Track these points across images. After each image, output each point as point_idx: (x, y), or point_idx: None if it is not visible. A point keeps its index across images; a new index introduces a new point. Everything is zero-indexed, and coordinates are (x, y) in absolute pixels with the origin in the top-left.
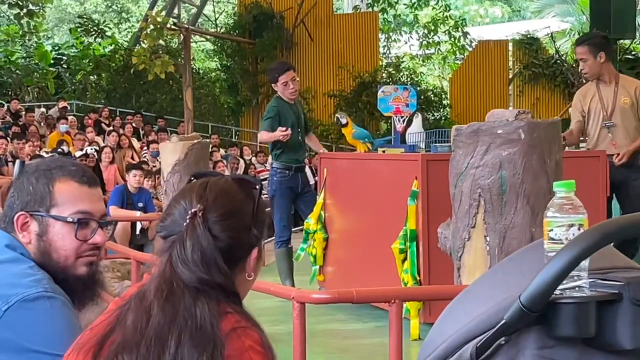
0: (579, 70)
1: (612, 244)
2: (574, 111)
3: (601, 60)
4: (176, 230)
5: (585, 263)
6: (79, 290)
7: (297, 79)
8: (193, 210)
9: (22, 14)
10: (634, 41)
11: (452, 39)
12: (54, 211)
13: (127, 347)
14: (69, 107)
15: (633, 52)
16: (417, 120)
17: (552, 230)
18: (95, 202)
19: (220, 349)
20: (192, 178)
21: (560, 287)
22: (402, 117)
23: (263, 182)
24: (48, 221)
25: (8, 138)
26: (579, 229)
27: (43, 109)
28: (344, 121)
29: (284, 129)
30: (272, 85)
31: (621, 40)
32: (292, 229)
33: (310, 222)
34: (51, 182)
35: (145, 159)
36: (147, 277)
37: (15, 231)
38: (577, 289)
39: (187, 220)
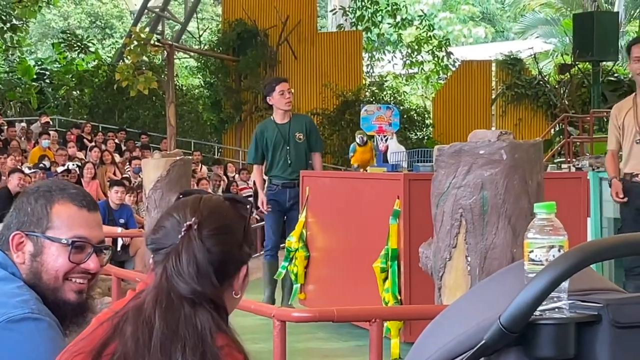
0: (635, 72)
1: (591, 265)
2: (611, 129)
3: None
4: (168, 243)
5: (565, 284)
6: (68, 315)
7: (291, 90)
8: (188, 223)
9: (5, 28)
10: (617, 63)
11: (436, 58)
12: (50, 233)
13: (129, 358)
14: (51, 122)
15: (615, 74)
16: (393, 141)
17: (532, 251)
18: (93, 227)
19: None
20: (181, 196)
21: (540, 308)
22: (385, 136)
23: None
24: (44, 242)
25: None
26: (559, 251)
27: (24, 124)
28: (365, 139)
29: (265, 205)
30: (268, 98)
31: (604, 63)
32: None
33: (292, 240)
34: (50, 204)
35: (127, 175)
36: (131, 294)
37: (10, 250)
38: (556, 310)
39: (182, 233)
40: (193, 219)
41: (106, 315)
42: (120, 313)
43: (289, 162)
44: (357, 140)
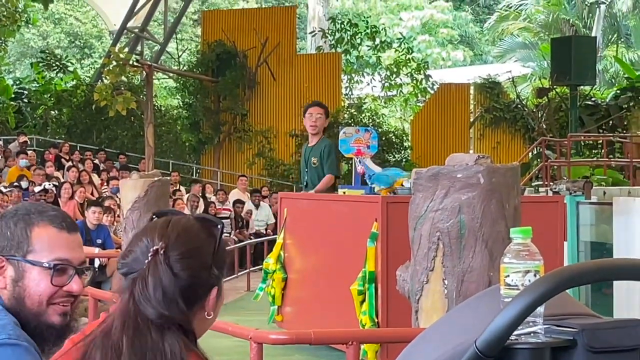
0: None
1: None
2: None
3: None
4: (137, 267)
5: (540, 309)
6: (51, 339)
7: (320, 115)
8: (155, 247)
9: None
10: (594, 87)
11: (414, 81)
12: (30, 256)
13: None
14: (29, 142)
15: (593, 99)
16: (368, 162)
17: (508, 275)
18: (74, 248)
19: None
20: (154, 217)
21: (516, 332)
22: (363, 158)
23: (225, 221)
24: (25, 266)
25: None
26: (535, 275)
27: (1, 143)
28: None
29: None
30: (304, 120)
31: (581, 87)
32: (251, 268)
33: (270, 261)
34: (29, 227)
35: (105, 195)
36: (104, 315)
37: None
38: (532, 334)
39: (149, 258)
40: (160, 244)
41: (79, 337)
42: (90, 338)
43: (305, 184)
44: None
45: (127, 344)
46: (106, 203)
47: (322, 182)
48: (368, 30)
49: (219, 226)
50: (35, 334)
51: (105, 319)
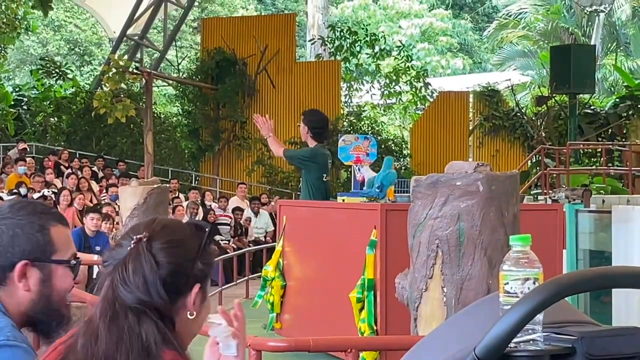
0: None
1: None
2: None
3: None
4: (119, 257)
5: (539, 317)
6: (62, 329)
7: (298, 125)
8: (138, 236)
9: None
10: (593, 96)
11: (414, 89)
12: (55, 256)
13: None
14: (28, 149)
15: (592, 107)
16: (366, 169)
17: (507, 283)
18: (73, 242)
19: None
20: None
21: (515, 340)
22: (362, 166)
23: (224, 228)
24: (52, 267)
25: None
26: (534, 283)
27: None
28: None
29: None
30: None
31: (580, 95)
32: (250, 276)
33: (269, 269)
34: (46, 229)
35: (104, 202)
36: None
37: (5, 280)
38: (531, 342)
39: (132, 245)
40: (144, 233)
41: (60, 340)
42: (72, 332)
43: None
44: None
45: (103, 328)
46: (104, 210)
47: (276, 142)
48: (367, 38)
49: (206, 229)
50: (55, 328)
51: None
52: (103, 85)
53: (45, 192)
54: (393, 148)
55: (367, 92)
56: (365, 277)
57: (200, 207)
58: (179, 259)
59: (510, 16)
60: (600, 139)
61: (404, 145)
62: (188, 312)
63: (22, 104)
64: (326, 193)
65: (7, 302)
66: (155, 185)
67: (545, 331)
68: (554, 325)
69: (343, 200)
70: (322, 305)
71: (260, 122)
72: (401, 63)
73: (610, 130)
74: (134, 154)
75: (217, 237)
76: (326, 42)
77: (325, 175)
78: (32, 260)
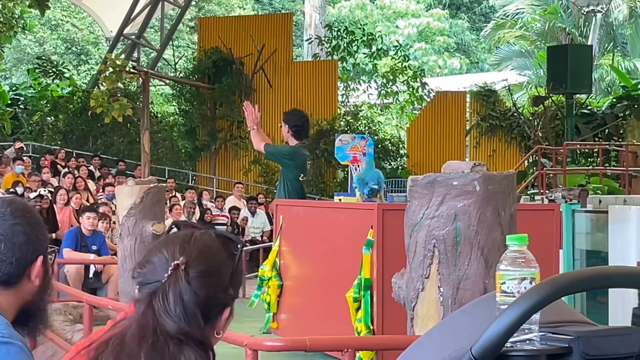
0: None
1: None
2: None
3: None
4: (154, 279)
5: (536, 316)
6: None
7: (280, 125)
8: (176, 262)
9: None
10: (590, 96)
11: (411, 89)
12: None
13: None
14: (25, 148)
15: (589, 107)
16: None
17: (504, 283)
18: None
19: None
20: (173, 227)
21: (512, 339)
22: (359, 165)
23: (222, 228)
24: (49, 260)
25: None
26: (530, 283)
27: None
28: None
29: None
30: None
31: (577, 95)
32: (247, 275)
33: (265, 268)
34: (43, 226)
35: (100, 202)
36: (111, 322)
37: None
38: (528, 342)
39: (169, 272)
40: (181, 258)
41: (84, 344)
42: (96, 344)
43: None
44: None
45: (144, 355)
46: (101, 209)
47: (259, 135)
48: (364, 38)
49: (239, 246)
50: (44, 318)
51: (114, 327)
52: (100, 85)
53: (42, 191)
54: (390, 148)
55: (364, 91)
56: (362, 277)
57: (197, 207)
58: (214, 288)
59: (507, 16)
60: (597, 139)
61: (400, 145)
62: (215, 332)
63: (19, 103)
64: (302, 192)
65: (2, 302)
66: (152, 185)
67: (542, 331)
68: (551, 325)
69: (340, 200)
70: (319, 305)
71: (248, 111)
72: (398, 63)
73: (607, 131)
74: (130, 154)
75: None
76: (323, 42)
77: (302, 175)
78: (43, 256)
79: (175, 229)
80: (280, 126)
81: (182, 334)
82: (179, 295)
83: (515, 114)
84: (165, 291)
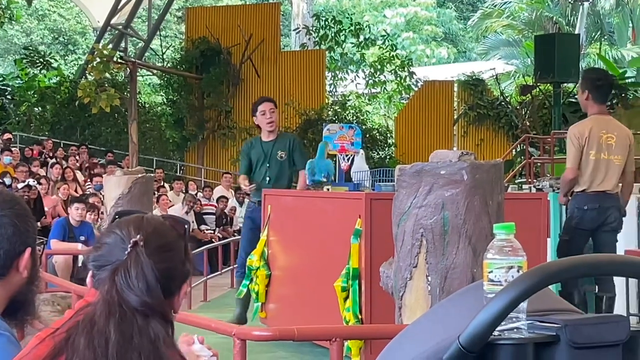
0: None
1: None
2: None
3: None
4: (112, 259)
5: (523, 305)
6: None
7: (274, 110)
8: (134, 239)
9: None
10: (577, 85)
11: (398, 78)
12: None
13: None
14: (12, 139)
15: (576, 96)
16: (359, 158)
17: (491, 271)
18: None
19: None
20: (116, 216)
21: (499, 328)
22: (347, 155)
23: (209, 217)
24: (38, 251)
25: None
26: (518, 271)
27: None
28: None
29: (248, 185)
30: (254, 118)
31: (565, 84)
32: (235, 265)
33: (254, 258)
34: (28, 214)
35: (89, 193)
36: (70, 312)
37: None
38: (515, 330)
39: (129, 249)
40: (138, 236)
41: (47, 332)
42: (64, 329)
43: (267, 179)
44: None
45: (114, 329)
46: (91, 200)
47: (302, 180)
48: (352, 27)
49: (185, 226)
50: (32, 309)
51: (78, 311)
52: (87, 75)
53: (30, 182)
54: (378, 137)
55: (352, 81)
56: (350, 266)
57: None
58: (172, 262)
59: (494, 5)
60: None
61: (388, 135)
62: (173, 310)
63: (6, 93)
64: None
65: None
66: (139, 175)
67: (529, 319)
68: (538, 314)
69: (328, 189)
70: (307, 295)
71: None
72: (386, 52)
73: None
74: (118, 144)
75: (203, 227)
76: (311, 32)
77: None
78: (33, 247)
79: (118, 218)
80: (274, 110)
81: (145, 307)
82: (141, 269)
83: (503, 103)
84: (127, 267)
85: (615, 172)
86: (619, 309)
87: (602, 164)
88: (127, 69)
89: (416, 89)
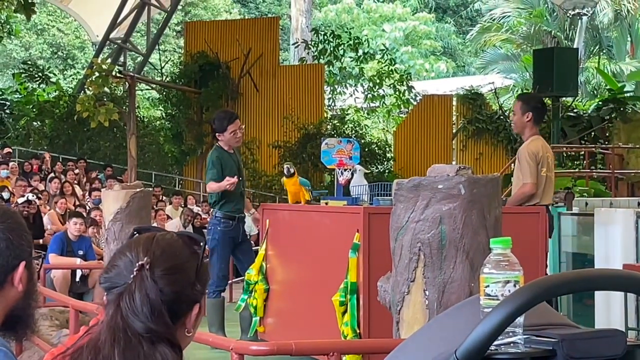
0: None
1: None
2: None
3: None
4: (121, 282)
5: (520, 319)
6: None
7: (243, 127)
8: (140, 262)
9: None
10: (576, 99)
11: (397, 92)
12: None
13: None
14: (12, 153)
15: (575, 110)
16: (359, 174)
17: (488, 286)
18: None
19: None
20: (135, 232)
21: (496, 342)
22: (345, 169)
23: (206, 231)
24: (33, 265)
25: None
26: (514, 286)
27: None
28: (292, 171)
29: (232, 178)
30: (218, 134)
31: (563, 98)
32: (234, 280)
33: (252, 273)
34: (25, 231)
35: (90, 207)
36: (84, 329)
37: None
38: (512, 344)
39: (134, 273)
40: (145, 259)
41: (59, 350)
42: (71, 351)
43: (242, 193)
44: (284, 171)
45: (119, 356)
46: (92, 214)
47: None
48: (351, 42)
49: (201, 243)
50: (31, 323)
51: (87, 332)
52: (86, 89)
53: (30, 196)
54: (377, 151)
55: (351, 95)
56: (348, 281)
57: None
58: (180, 285)
59: (493, 20)
60: (583, 142)
61: (387, 149)
62: (186, 330)
63: (5, 107)
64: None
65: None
66: (138, 189)
67: (526, 334)
68: (535, 328)
69: (326, 203)
70: (305, 309)
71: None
72: (385, 66)
73: (593, 133)
74: (117, 158)
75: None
76: (310, 46)
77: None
78: (28, 261)
79: (136, 234)
80: (242, 128)
81: (150, 333)
82: (145, 294)
83: (502, 117)
84: (132, 291)
85: (552, 188)
86: (617, 323)
87: (548, 180)
88: (126, 83)
89: (415, 103)
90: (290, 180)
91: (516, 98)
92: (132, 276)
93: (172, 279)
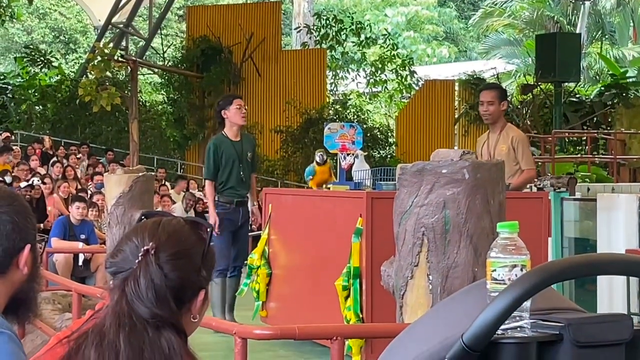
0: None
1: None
2: None
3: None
4: (126, 266)
5: (527, 304)
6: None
7: (246, 109)
8: (145, 247)
9: None
10: (579, 84)
11: (399, 77)
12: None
13: None
14: (13, 137)
15: (577, 95)
16: (360, 158)
17: (495, 270)
18: None
19: None
20: (143, 217)
21: (503, 327)
22: (348, 154)
23: (207, 215)
24: (37, 248)
25: None
26: (521, 270)
27: None
28: (325, 158)
29: (214, 222)
30: (223, 112)
31: (566, 83)
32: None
33: (254, 257)
34: (30, 215)
35: (92, 191)
36: (90, 313)
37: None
38: (519, 329)
39: (140, 257)
40: (150, 244)
41: (65, 333)
42: (76, 334)
43: (244, 179)
44: (317, 158)
45: (124, 342)
46: (95, 198)
47: (254, 184)
48: (353, 27)
49: (208, 229)
50: (34, 307)
51: (93, 316)
52: (88, 73)
53: (35, 181)
54: (379, 136)
55: (353, 80)
56: (351, 265)
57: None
58: (186, 270)
59: (495, 4)
60: (585, 127)
61: (389, 134)
62: (191, 316)
63: (7, 92)
64: None
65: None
66: (140, 174)
67: (533, 318)
68: (542, 312)
69: (329, 188)
70: (308, 293)
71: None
72: (387, 51)
73: (595, 119)
74: (119, 142)
75: None
76: (312, 30)
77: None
78: (33, 244)
79: (144, 219)
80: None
81: (155, 318)
82: (150, 279)
83: None
84: (137, 276)
85: None
86: (620, 308)
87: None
88: (128, 67)
89: (417, 88)
90: (322, 168)
91: (486, 88)
92: (137, 261)
93: (178, 265)
